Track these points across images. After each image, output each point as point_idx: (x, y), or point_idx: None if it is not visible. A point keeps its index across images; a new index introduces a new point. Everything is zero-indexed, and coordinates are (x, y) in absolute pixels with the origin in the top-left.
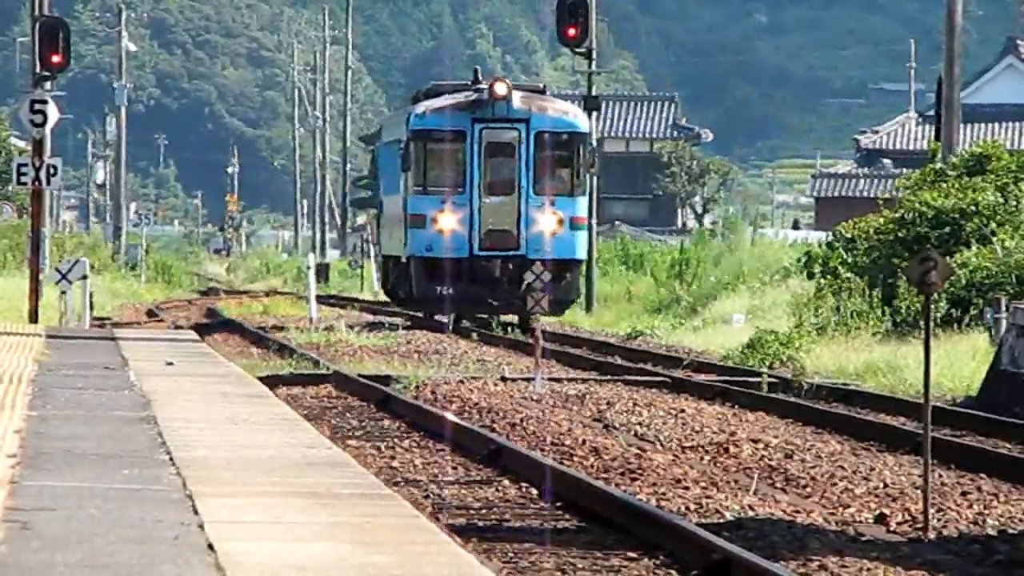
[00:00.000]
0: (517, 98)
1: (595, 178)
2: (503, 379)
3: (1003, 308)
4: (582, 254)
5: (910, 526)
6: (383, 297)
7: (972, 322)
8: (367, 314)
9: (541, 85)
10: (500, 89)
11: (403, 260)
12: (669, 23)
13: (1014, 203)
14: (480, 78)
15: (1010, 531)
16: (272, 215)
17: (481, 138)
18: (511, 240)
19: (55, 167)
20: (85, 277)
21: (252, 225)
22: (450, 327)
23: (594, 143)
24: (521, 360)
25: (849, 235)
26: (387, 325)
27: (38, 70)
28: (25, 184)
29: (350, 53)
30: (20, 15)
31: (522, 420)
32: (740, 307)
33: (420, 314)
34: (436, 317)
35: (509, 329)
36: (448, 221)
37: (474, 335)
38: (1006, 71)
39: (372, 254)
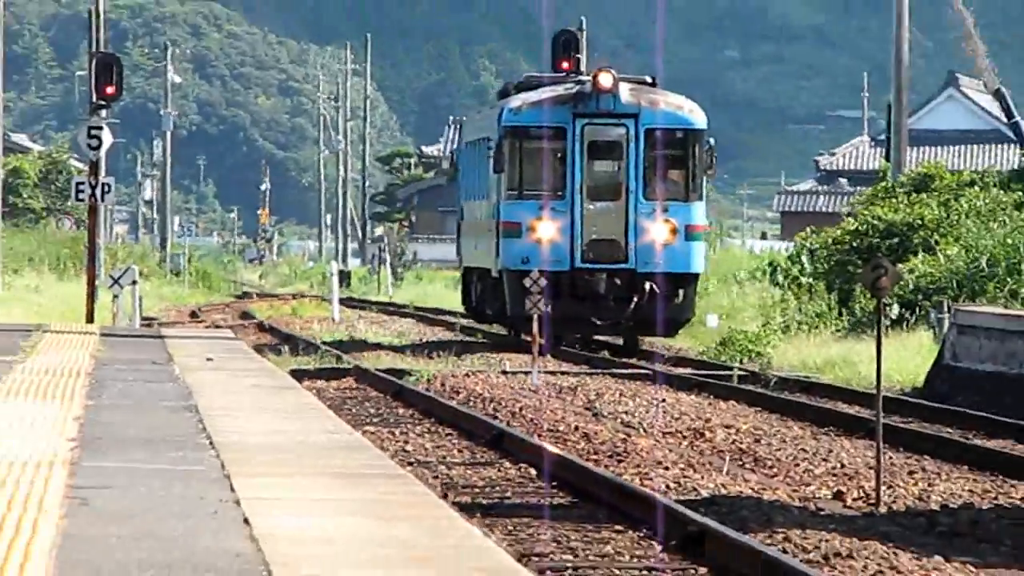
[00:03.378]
0: (625, 91)
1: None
2: (504, 372)
3: (946, 310)
4: (699, 267)
5: (864, 502)
6: (397, 300)
7: (918, 322)
8: (391, 317)
9: (650, 77)
10: (605, 80)
11: (494, 274)
12: (651, 57)
13: (955, 217)
14: (581, 68)
15: (951, 506)
16: (299, 227)
17: (583, 135)
18: (618, 251)
19: (109, 185)
20: (135, 282)
21: (282, 236)
22: (549, 350)
23: (712, 142)
24: (519, 356)
25: (811, 245)
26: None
27: (94, 100)
28: (83, 200)
29: (368, 84)
30: (79, 51)
31: (521, 409)
32: (715, 309)
33: (505, 332)
34: (525, 336)
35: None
36: (547, 230)
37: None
38: (948, 101)
39: (388, 262)
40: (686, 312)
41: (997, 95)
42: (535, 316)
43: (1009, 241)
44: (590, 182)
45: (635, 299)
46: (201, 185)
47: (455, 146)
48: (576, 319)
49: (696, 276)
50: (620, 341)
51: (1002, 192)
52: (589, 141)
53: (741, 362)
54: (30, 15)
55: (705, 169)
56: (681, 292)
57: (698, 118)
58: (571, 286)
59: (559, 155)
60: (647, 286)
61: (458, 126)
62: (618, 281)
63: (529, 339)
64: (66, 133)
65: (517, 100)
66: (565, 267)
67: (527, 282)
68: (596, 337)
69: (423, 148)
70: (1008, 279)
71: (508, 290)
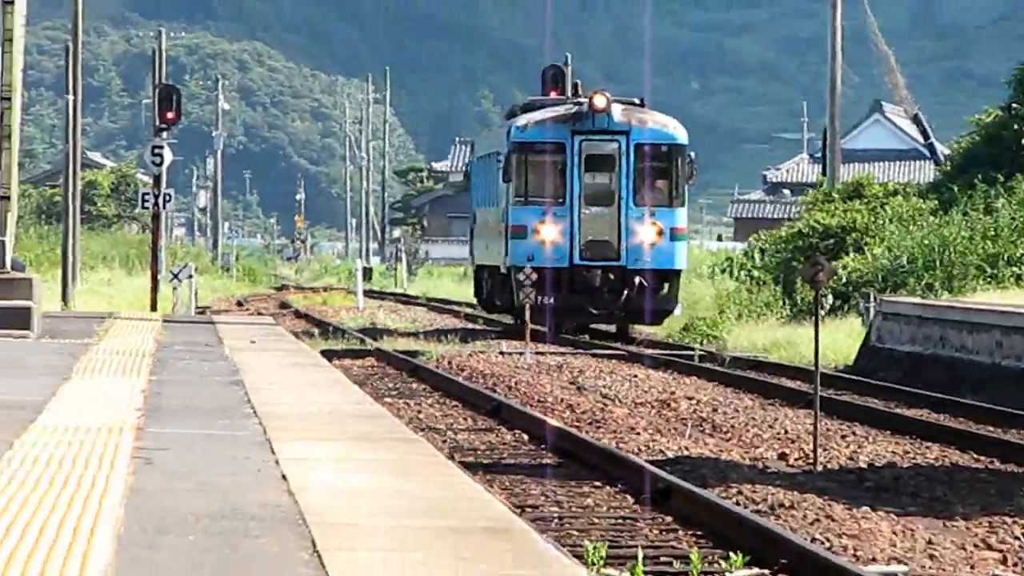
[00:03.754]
0: (617, 111)
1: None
2: (501, 353)
3: (872, 300)
4: (681, 264)
5: (804, 461)
6: (411, 292)
7: (850, 310)
8: (408, 307)
9: (639, 99)
10: (600, 102)
11: (502, 270)
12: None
13: (881, 222)
14: (580, 91)
15: (877, 464)
16: (329, 230)
17: (581, 150)
18: (611, 250)
19: (169, 195)
20: (191, 277)
21: (314, 238)
22: (551, 335)
23: (692, 155)
24: (516, 340)
25: (760, 245)
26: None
27: (157, 124)
28: (147, 208)
29: (387, 110)
30: (145, 83)
31: (516, 384)
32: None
33: (511, 320)
34: (532, 326)
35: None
36: (549, 232)
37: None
38: (873, 124)
39: (403, 260)
40: (671, 303)
41: (915, 120)
42: (527, 305)
43: (925, 242)
44: (587, 190)
45: (626, 292)
46: (246, 195)
47: (467, 161)
48: (574, 309)
49: (679, 272)
50: (613, 328)
51: (920, 201)
52: (586, 155)
53: (701, 344)
54: (104, 53)
55: (687, 179)
56: (667, 286)
57: (681, 134)
58: (570, 281)
59: (560, 167)
60: (637, 280)
61: (466, 145)
62: (611, 276)
63: (533, 326)
64: (134, 152)
65: (523, 119)
66: (565, 264)
67: (521, 276)
68: (592, 325)
69: (433, 164)
70: (924, 274)
71: (515, 284)
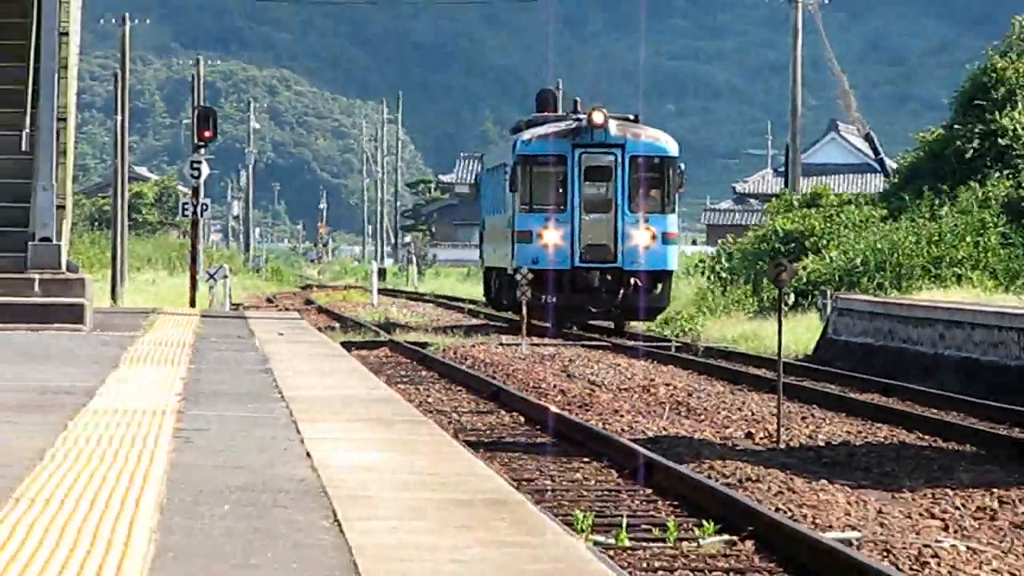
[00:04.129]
0: (613, 126)
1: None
2: (501, 344)
3: (829, 297)
4: (673, 265)
5: (768, 440)
6: (421, 290)
7: (809, 306)
8: (422, 304)
9: (633, 115)
10: (597, 118)
11: (509, 272)
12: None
13: (837, 228)
14: (579, 108)
15: (833, 443)
16: (348, 235)
17: (581, 162)
18: (608, 253)
19: (206, 205)
20: (226, 277)
21: (335, 242)
22: (553, 330)
23: (682, 166)
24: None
25: (730, 249)
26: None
27: (196, 141)
28: (187, 216)
29: (399, 129)
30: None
31: (513, 371)
32: None
33: (516, 318)
34: (533, 321)
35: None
36: (552, 236)
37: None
38: (830, 142)
39: (414, 261)
40: (663, 301)
41: (866, 138)
42: (523, 301)
43: (876, 246)
44: (586, 198)
45: (622, 291)
46: (275, 204)
47: (476, 174)
48: (575, 307)
49: (671, 272)
50: (611, 324)
51: (871, 210)
52: (585, 166)
53: (678, 336)
54: (148, 79)
55: (677, 187)
56: (659, 285)
57: (672, 147)
58: (571, 281)
59: (561, 177)
60: (632, 281)
61: (469, 159)
62: (609, 277)
63: (536, 321)
64: (174, 166)
65: (528, 134)
66: (567, 266)
67: (518, 276)
68: (590, 322)
69: (440, 177)
70: (875, 274)
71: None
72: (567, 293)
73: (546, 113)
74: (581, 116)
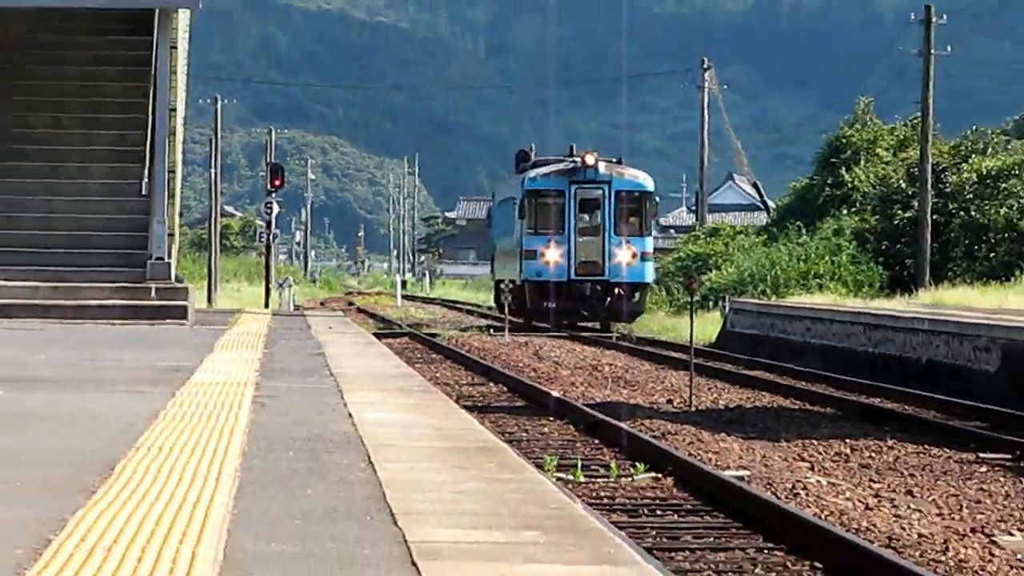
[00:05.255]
0: (602, 166)
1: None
2: (490, 336)
3: (727, 300)
4: (649, 278)
5: (683, 405)
6: (432, 295)
7: (713, 307)
8: (433, 306)
9: (617, 158)
10: (589, 159)
11: (517, 283)
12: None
13: (732, 251)
14: (574, 152)
15: (730, 406)
16: (380, 256)
17: (576, 195)
18: (598, 268)
19: (276, 234)
20: (290, 286)
21: (369, 261)
22: (553, 327)
23: (657, 199)
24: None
25: (656, 267)
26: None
27: (269, 188)
28: (263, 242)
29: (416, 179)
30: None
31: (499, 355)
32: None
33: (519, 319)
34: (536, 323)
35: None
36: (553, 254)
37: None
38: (728, 188)
39: (427, 275)
40: (641, 306)
41: (754, 186)
42: (506, 304)
43: (760, 264)
44: (580, 224)
45: (609, 298)
46: (326, 233)
47: (488, 207)
48: (570, 311)
49: (647, 284)
50: (598, 325)
51: (756, 237)
52: (579, 198)
53: (618, 329)
54: (234, 142)
55: (653, 216)
56: (638, 294)
57: (648, 183)
58: (568, 290)
59: (560, 207)
60: (616, 290)
61: (469, 201)
62: (598, 287)
63: (538, 323)
64: (254, 206)
65: (534, 172)
66: (564, 278)
67: (506, 287)
68: (581, 324)
69: (446, 214)
70: (760, 284)
71: (527, 293)
72: (564, 300)
73: (547, 157)
74: (576, 158)
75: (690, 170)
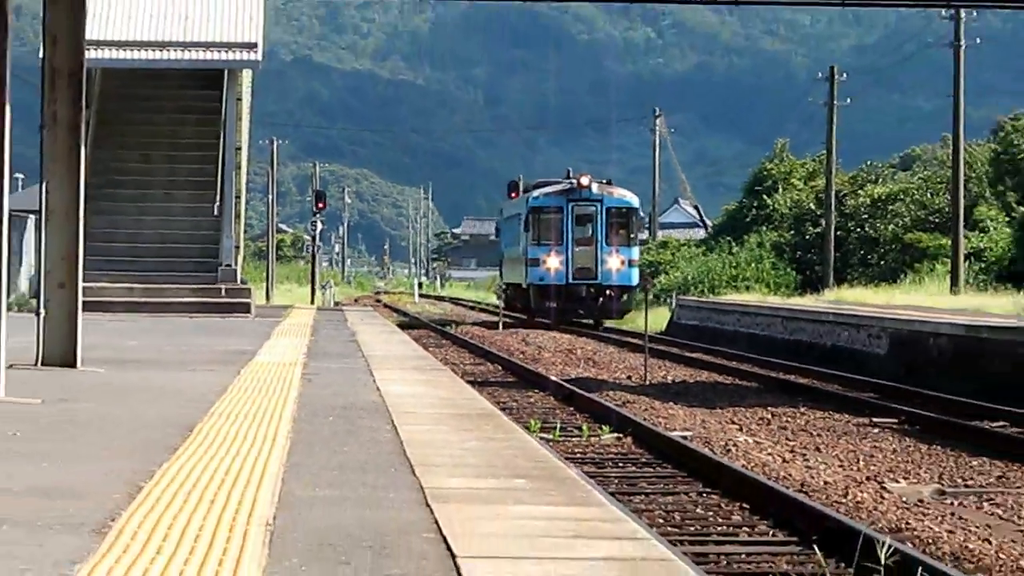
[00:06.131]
0: (595, 186)
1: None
2: (488, 327)
3: (674, 298)
4: (635, 282)
5: (639, 380)
6: (443, 294)
7: (663, 303)
8: (448, 304)
9: (608, 179)
10: (584, 181)
11: (523, 287)
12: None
13: (678, 259)
14: (571, 175)
15: (677, 382)
16: (402, 263)
17: (573, 211)
18: (591, 273)
19: (320, 246)
20: (332, 287)
21: (393, 266)
22: (554, 323)
23: (642, 213)
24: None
25: None
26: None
27: (314, 210)
28: (309, 252)
29: (430, 204)
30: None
31: (495, 341)
32: None
33: (524, 316)
34: (538, 319)
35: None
36: (553, 262)
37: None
38: (674, 210)
39: (438, 279)
40: (629, 305)
41: (695, 208)
42: (502, 301)
43: (700, 270)
44: (576, 235)
45: (601, 299)
46: (359, 245)
47: (497, 220)
48: (568, 310)
49: (634, 287)
50: (592, 322)
51: (696, 249)
52: (576, 214)
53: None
54: (287, 174)
55: (638, 228)
56: (626, 295)
57: (635, 201)
58: (566, 292)
59: (559, 221)
60: (608, 292)
61: (472, 219)
62: (592, 290)
63: (540, 319)
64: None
65: (537, 192)
66: (563, 282)
67: (503, 288)
68: (576, 320)
69: (453, 230)
70: (700, 285)
71: (532, 295)
72: (563, 300)
73: (547, 179)
74: (573, 180)
75: (644, 196)
